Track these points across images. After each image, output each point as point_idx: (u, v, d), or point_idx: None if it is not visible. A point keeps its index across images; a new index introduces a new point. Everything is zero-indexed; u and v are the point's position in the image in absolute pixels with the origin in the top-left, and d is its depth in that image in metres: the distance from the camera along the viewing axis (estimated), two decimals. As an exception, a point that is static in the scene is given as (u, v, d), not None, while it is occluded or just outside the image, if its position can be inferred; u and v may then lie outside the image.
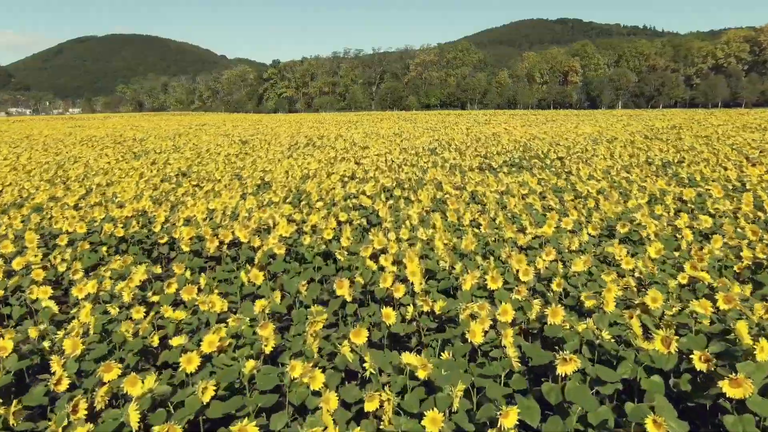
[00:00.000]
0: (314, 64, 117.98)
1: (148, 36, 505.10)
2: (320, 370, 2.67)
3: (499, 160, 12.18)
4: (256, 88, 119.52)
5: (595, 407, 2.48)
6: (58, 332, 3.43)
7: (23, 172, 12.04)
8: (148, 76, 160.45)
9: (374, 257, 4.60)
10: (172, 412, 2.55)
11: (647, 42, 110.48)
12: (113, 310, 3.67)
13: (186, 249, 5.35)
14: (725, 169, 9.66)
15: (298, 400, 2.63)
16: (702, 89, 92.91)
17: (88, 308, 3.56)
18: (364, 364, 2.77)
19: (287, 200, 7.61)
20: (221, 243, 5.36)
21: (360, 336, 2.94)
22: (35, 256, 5.06)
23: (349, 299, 3.91)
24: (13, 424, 2.52)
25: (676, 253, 4.63)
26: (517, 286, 3.63)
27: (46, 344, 3.38)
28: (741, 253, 4.44)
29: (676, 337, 2.74)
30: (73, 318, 3.68)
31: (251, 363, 2.73)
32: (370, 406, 2.47)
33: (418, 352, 3.34)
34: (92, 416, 2.50)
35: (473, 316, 3.20)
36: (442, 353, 2.99)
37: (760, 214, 6.09)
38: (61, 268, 4.94)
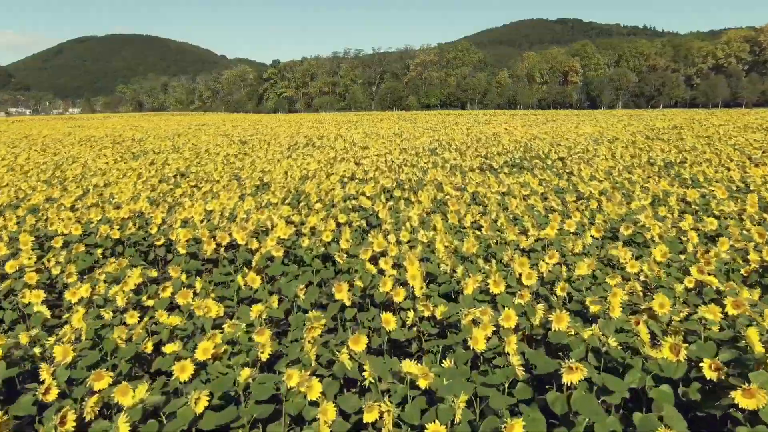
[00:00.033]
0: (314, 64, 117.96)
1: (148, 36, 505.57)
2: (318, 378, 2.59)
3: (499, 161, 12.09)
4: (255, 88, 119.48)
5: (603, 418, 2.40)
6: (50, 338, 3.35)
7: (20, 172, 11.95)
8: (148, 76, 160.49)
9: (374, 260, 4.50)
10: (165, 423, 2.46)
11: (647, 42, 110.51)
12: (107, 315, 3.58)
13: (183, 251, 5.27)
14: (728, 169, 9.57)
15: (295, 410, 2.54)
16: (702, 89, 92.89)
17: (81, 313, 3.47)
18: (364, 373, 2.69)
19: (286, 201, 7.51)
20: (218, 245, 5.28)
21: (359, 343, 2.85)
22: (29, 258, 4.97)
23: (348, 303, 3.83)
24: (-1, 436, 2.44)
25: (682, 256, 4.53)
26: (520, 290, 3.55)
27: (37, 350, 3.30)
28: (748, 256, 4.35)
29: (685, 345, 2.65)
30: (66, 323, 3.59)
31: (246, 371, 2.64)
32: (369, 417, 2.39)
33: (419, 359, 3.26)
34: (81, 427, 2.42)
35: (475, 322, 3.10)
36: (443, 360, 2.90)
37: (765, 215, 6.01)
38: (55, 271, 4.85)
